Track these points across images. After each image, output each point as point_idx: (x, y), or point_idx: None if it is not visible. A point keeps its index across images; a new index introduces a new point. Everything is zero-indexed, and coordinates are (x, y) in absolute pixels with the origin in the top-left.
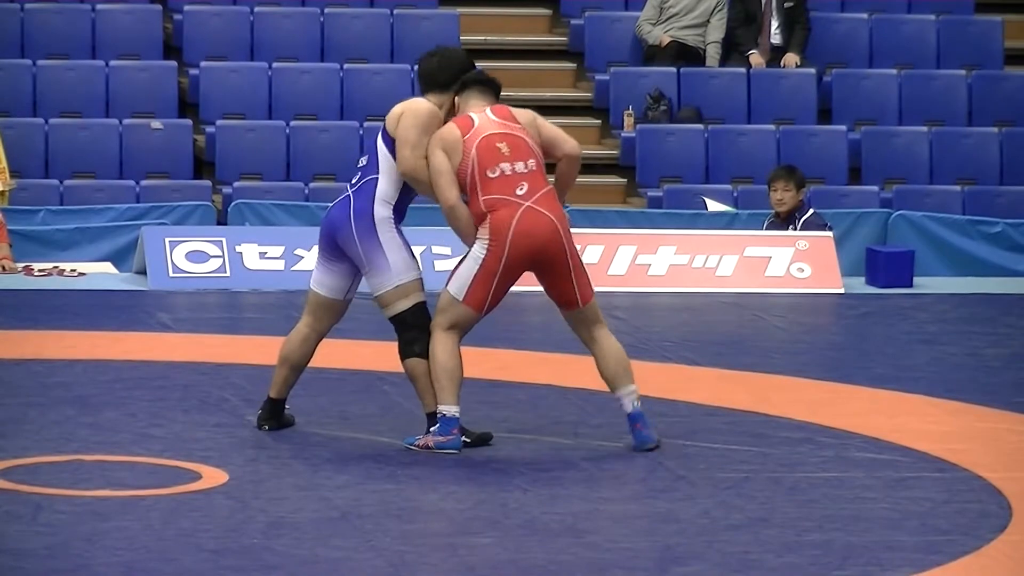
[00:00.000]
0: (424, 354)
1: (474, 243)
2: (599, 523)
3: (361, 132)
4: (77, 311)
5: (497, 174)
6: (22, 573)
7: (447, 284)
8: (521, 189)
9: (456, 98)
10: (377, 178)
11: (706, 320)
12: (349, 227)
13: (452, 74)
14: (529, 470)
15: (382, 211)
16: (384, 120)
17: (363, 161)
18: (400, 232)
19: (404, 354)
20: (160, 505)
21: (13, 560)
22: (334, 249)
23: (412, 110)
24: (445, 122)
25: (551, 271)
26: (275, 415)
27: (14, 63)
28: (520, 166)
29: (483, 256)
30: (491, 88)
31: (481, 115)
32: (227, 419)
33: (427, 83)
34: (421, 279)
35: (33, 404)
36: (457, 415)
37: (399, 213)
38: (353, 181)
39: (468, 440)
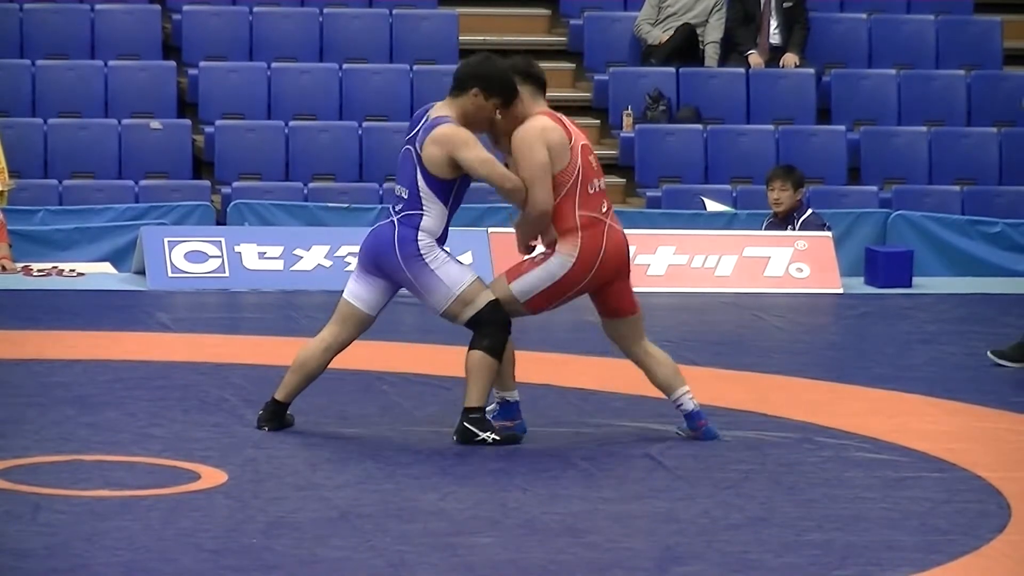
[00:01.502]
0: (491, 351)
1: (546, 252)
2: (598, 523)
3: (360, 132)
4: (76, 311)
5: (594, 190)
6: (22, 573)
7: (510, 281)
8: (604, 207)
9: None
10: (422, 214)
11: (705, 320)
12: (394, 255)
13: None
14: (528, 470)
15: (426, 239)
16: (415, 148)
17: (402, 193)
18: (444, 248)
19: (472, 344)
20: (159, 505)
21: (13, 560)
22: (374, 269)
23: (453, 140)
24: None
25: (619, 282)
26: (277, 417)
27: (13, 63)
28: (602, 183)
29: (564, 272)
30: (542, 85)
31: (566, 120)
32: (226, 419)
33: (478, 85)
34: (479, 279)
35: (33, 404)
36: (517, 398)
37: (442, 238)
38: (396, 209)
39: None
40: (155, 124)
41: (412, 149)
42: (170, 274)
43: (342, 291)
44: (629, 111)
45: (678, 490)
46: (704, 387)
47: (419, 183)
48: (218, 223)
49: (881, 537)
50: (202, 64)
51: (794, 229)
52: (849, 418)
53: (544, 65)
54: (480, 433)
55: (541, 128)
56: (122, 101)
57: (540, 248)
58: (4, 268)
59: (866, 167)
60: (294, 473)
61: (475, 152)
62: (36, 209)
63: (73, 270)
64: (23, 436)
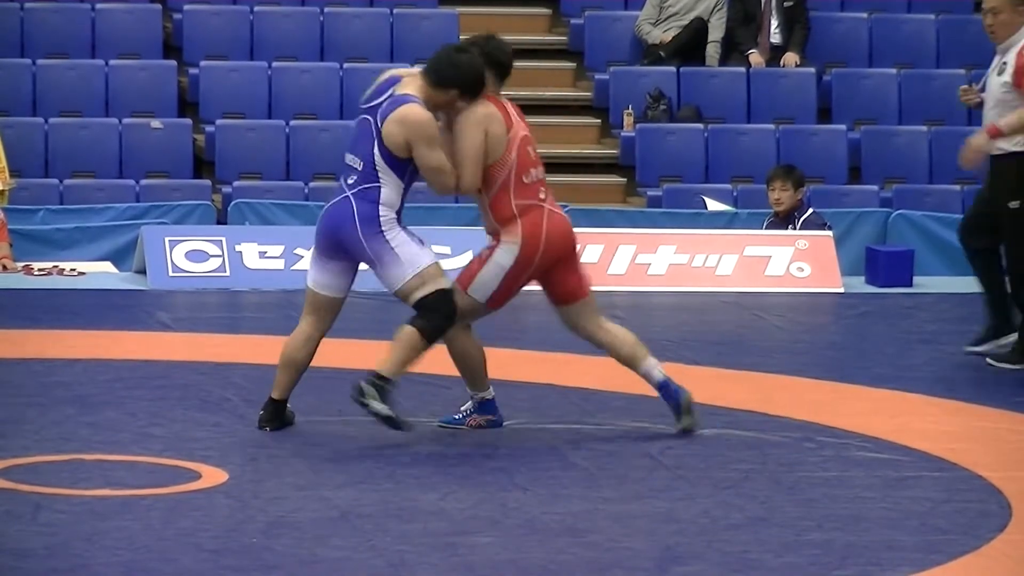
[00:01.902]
0: (426, 332)
1: (492, 246)
2: (599, 523)
3: None
4: (77, 310)
5: (530, 180)
6: (22, 573)
7: (465, 287)
8: (542, 193)
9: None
10: (379, 186)
11: (706, 319)
12: (354, 229)
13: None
14: (529, 470)
15: (387, 213)
16: (375, 120)
17: (356, 163)
18: (405, 227)
19: (410, 320)
20: (160, 505)
21: (13, 560)
22: (334, 248)
23: (418, 132)
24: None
25: (566, 266)
26: (278, 415)
27: (14, 62)
28: (540, 171)
29: (512, 260)
30: (506, 74)
31: (511, 110)
32: (227, 419)
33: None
34: (438, 264)
35: (33, 403)
36: (493, 394)
37: (399, 213)
38: (350, 182)
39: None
40: (156, 123)
41: (372, 120)
42: (171, 273)
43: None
44: (630, 110)
45: (678, 490)
46: (705, 387)
47: (375, 156)
48: (219, 222)
49: (881, 537)
50: (203, 63)
51: (795, 228)
52: (850, 418)
53: (544, 64)
54: (374, 402)
55: (486, 115)
56: (123, 100)
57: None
58: (5, 267)
59: (867, 166)
60: (294, 473)
61: (434, 154)
62: (37, 208)
63: (74, 269)
64: (23, 436)
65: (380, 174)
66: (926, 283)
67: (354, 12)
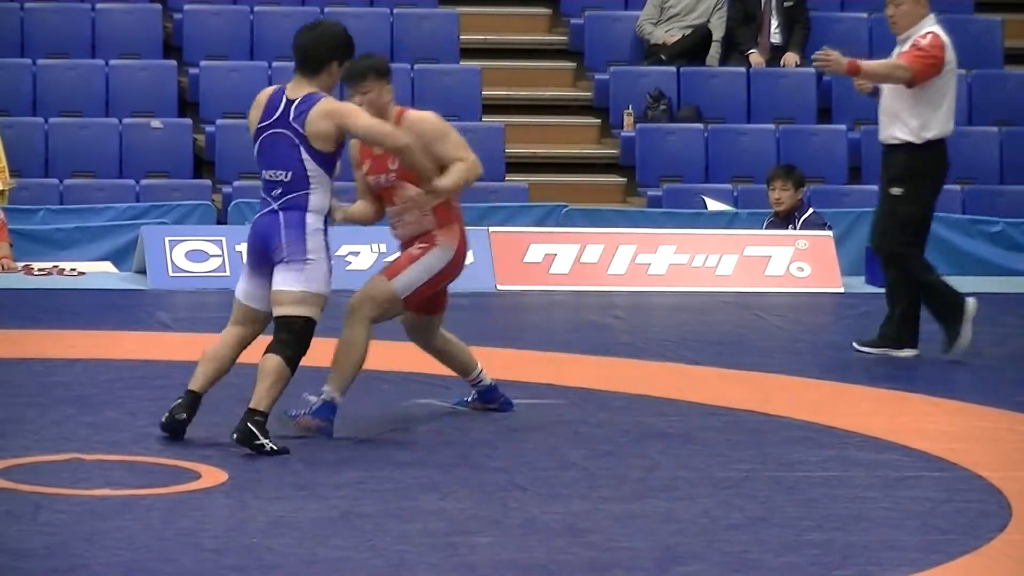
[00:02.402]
0: (291, 362)
1: (425, 246)
2: (599, 522)
3: None
4: (77, 310)
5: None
6: (22, 573)
7: (391, 278)
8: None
9: (387, 86)
10: (308, 193)
11: (706, 319)
12: (279, 237)
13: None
14: (529, 469)
15: (315, 222)
16: (291, 130)
17: (279, 175)
18: (328, 247)
19: (272, 349)
20: (160, 504)
21: (13, 560)
22: (263, 261)
23: (342, 113)
24: None
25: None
26: (194, 408)
27: (14, 62)
28: None
29: (443, 265)
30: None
31: None
32: (227, 419)
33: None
34: (326, 298)
35: (33, 403)
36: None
37: (327, 217)
38: (275, 194)
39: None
40: (156, 123)
41: (286, 131)
42: (171, 273)
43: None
44: (630, 110)
45: (678, 490)
46: (705, 386)
47: (305, 162)
48: (219, 222)
49: (881, 537)
50: (203, 63)
51: (795, 228)
52: (850, 418)
53: (545, 64)
54: (261, 438)
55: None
56: (123, 100)
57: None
58: (5, 267)
59: (867, 166)
60: (294, 473)
61: (364, 119)
62: (37, 208)
63: (74, 269)
64: (23, 436)
65: (311, 179)
66: None
67: (354, 12)
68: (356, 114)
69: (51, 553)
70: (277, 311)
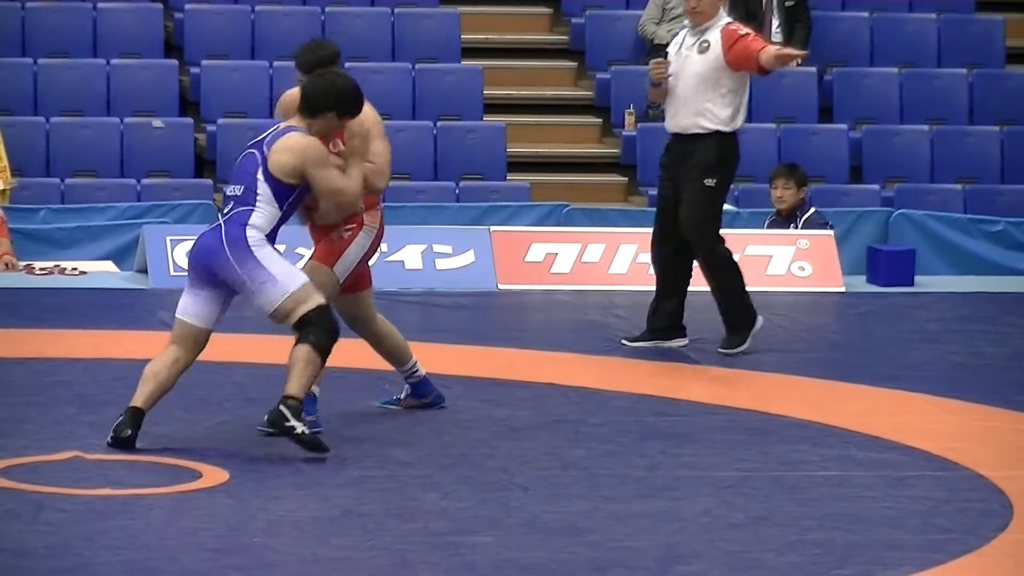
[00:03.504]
0: (318, 347)
1: (353, 227)
2: (600, 522)
3: None
4: (78, 310)
5: None
6: (23, 572)
7: (332, 264)
8: None
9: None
10: (252, 210)
11: (707, 318)
12: (224, 254)
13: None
14: (530, 469)
15: (255, 234)
16: (260, 151)
17: (235, 191)
18: (274, 248)
19: (299, 341)
20: (161, 504)
21: (14, 559)
22: (205, 277)
23: (307, 156)
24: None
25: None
26: (137, 424)
27: (15, 61)
28: None
29: (368, 243)
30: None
31: None
32: (228, 418)
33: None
34: (310, 281)
35: (34, 403)
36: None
37: (271, 238)
38: (225, 210)
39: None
40: (157, 123)
41: (256, 151)
42: (172, 273)
43: None
44: (631, 110)
45: (679, 489)
46: (706, 386)
47: (258, 183)
48: None
49: (883, 536)
50: (204, 63)
51: (797, 228)
52: (851, 417)
53: (546, 64)
54: (292, 420)
55: (376, 120)
56: (124, 100)
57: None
58: (8, 265)
59: (868, 166)
60: (295, 472)
61: (330, 174)
62: (38, 208)
63: (75, 269)
64: (25, 435)
65: (258, 199)
66: (927, 282)
67: (355, 11)
68: (323, 165)
69: (52, 552)
70: (289, 321)
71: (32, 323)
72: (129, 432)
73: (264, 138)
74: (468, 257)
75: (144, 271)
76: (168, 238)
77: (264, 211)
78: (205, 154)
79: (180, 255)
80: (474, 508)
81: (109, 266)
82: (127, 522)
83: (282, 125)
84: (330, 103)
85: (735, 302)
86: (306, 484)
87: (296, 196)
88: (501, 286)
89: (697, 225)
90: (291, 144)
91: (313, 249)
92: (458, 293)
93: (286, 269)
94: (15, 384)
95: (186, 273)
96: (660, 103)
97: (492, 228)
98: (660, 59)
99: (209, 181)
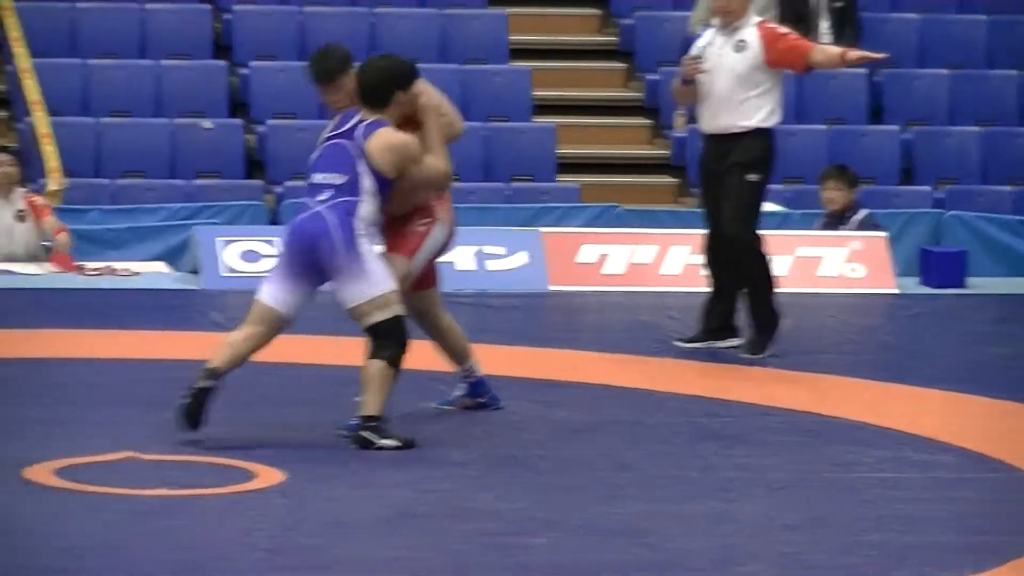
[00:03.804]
0: (393, 362)
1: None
2: (655, 523)
3: None
4: (130, 310)
5: None
6: (79, 571)
7: (409, 257)
8: None
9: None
10: (358, 201)
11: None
12: (329, 239)
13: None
14: (584, 470)
15: (361, 226)
16: (352, 143)
17: (333, 179)
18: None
19: (372, 355)
20: (216, 504)
21: (70, 559)
22: (303, 262)
23: (405, 154)
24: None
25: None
26: (216, 377)
27: (65, 62)
28: None
29: (444, 238)
30: None
31: None
32: (282, 418)
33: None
34: (395, 291)
35: (88, 403)
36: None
37: (374, 230)
38: (322, 198)
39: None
40: (206, 124)
41: (347, 143)
42: (223, 273)
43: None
44: (681, 111)
45: (734, 491)
46: (759, 387)
47: (361, 176)
48: (271, 222)
49: (938, 538)
50: (253, 64)
51: (848, 229)
52: (904, 418)
53: (595, 65)
54: (378, 440)
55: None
56: (173, 100)
57: None
58: (82, 268)
59: (919, 167)
60: (350, 472)
61: (426, 168)
62: (88, 208)
63: (127, 269)
64: (79, 435)
65: (362, 189)
66: (979, 284)
67: (404, 13)
68: (418, 161)
69: (107, 552)
70: (363, 323)
71: (84, 324)
72: (206, 384)
73: (350, 128)
74: (520, 259)
75: (195, 272)
76: (219, 239)
77: (368, 203)
78: (255, 155)
79: (231, 256)
80: (529, 509)
81: (161, 267)
82: (182, 522)
83: (367, 117)
84: (392, 86)
85: (763, 299)
86: (361, 485)
87: (391, 188)
88: (552, 287)
89: (737, 219)
90: (391, 144)
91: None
92: (510, 294)
93: (379, 270)
94: (69, 385)
95: (281, 262)
96: (689, 106)
97: (543, 229)
98: (695, 55)
99: (259, 182)
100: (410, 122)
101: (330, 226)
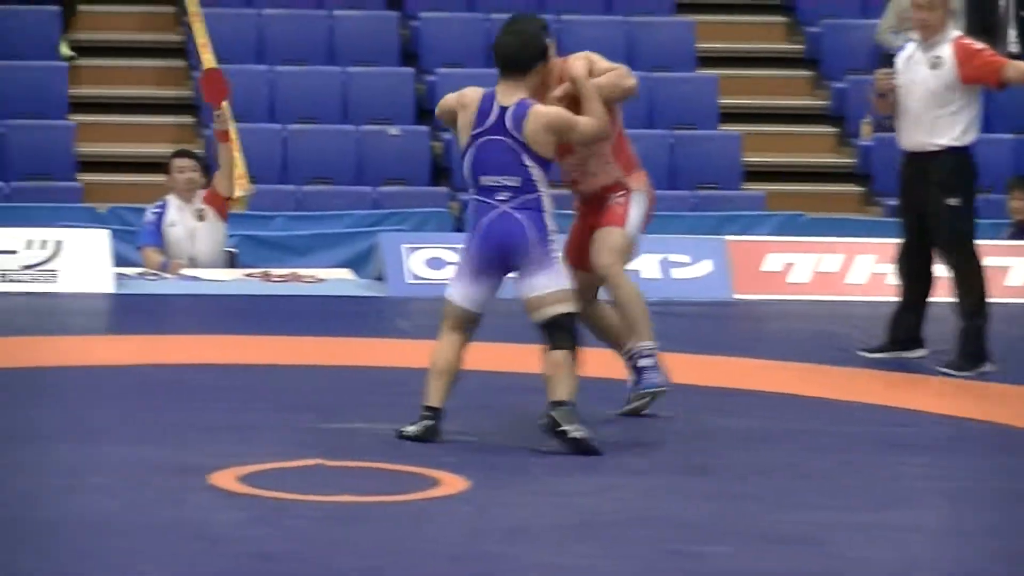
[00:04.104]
0: (573, 352)
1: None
2: (838, 533)
3: None
4: (316, 316)
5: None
6: None
7: (623, 225)
8: None
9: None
10: (540, 196)
11: (946, 330)
12: (526, 238)
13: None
14: (768, 479)
15: (550, 221)
16: (509, 138)
17: (508, 181)
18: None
19: (556, 347)
20: (401, 511)
21: (256, 564)
22: (498, 262)
23: (560, 124)
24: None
25: None
26: (439, 422)
27: (252, 69)
28: None
29: (645, 209)
30: None
31: None
32: (467, 425)
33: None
34: (572, 290)
35: (273, 409)
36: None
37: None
38: (502, 198)
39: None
40: (393, 131)
41: (504, 137)
42: (409, 280)
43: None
44: (867, 119)
45: (920, 500)
46: (946, 398)
47: (529, 167)
48: (456, 230)
49: None
50: (440, 71)
51: None
52: None
53: (781, 73)
54: (569, 425)
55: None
56: (360, 107)
57: None
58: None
59: None
60: (535, 480)
61: (579, 128)
62: (274, 215)
63: (312, 276)
64: (265, 442)
65: (537, 184)
66: None
67: (590, 20)
68: (575, 125)
69: (293, 558)
70: (543, 313)
71: (270, 330)
72: (434, 428)
73: (496, 124)
74: (705, 267)
75: (380, 278)
76: (405, 246)
77: (546, 194)
78: (441, 162)
79: (416, 263)
80: (711, 517)
81: (346, 273)
82: (367, 529)
83: (506, 103)
84: (536, 52)
85: (976, 327)
86: (545, 492)
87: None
88: (737, 296)
89: (950, 244)
90: (543, 121)
91: (582, 219)
92: (694, 303)
93: (561, 267)
94: (254, 391)
95: (469, 263)
96: (889, 116)
97: (728, 238)
98: (887, 70)
99: (445, 189)
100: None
101: (525, 226)
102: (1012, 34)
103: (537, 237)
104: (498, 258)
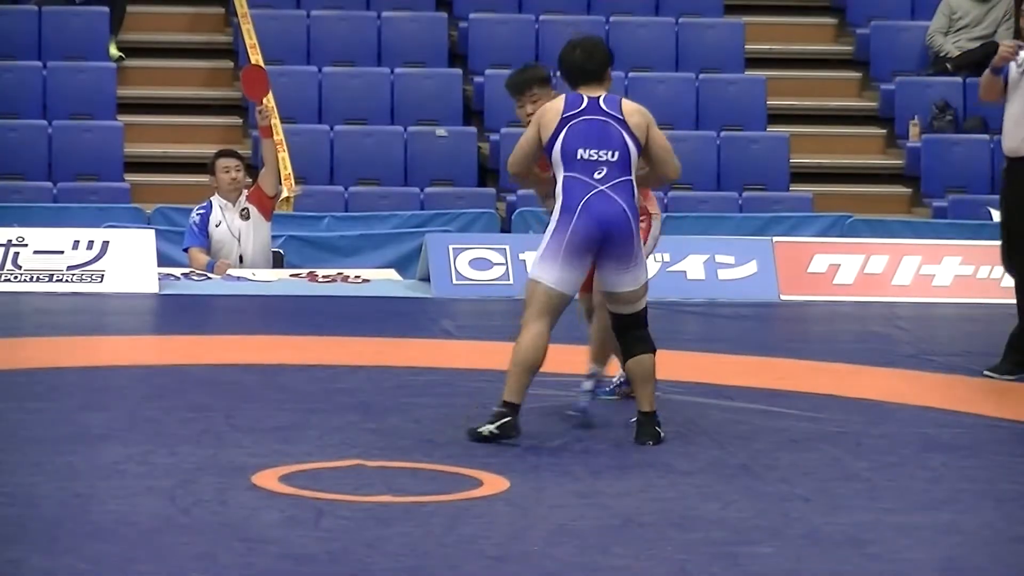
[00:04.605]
0: (655, 350)
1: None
2: (881, 534)
3: None
4: (361, 317)
5: None
6: None
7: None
8: None
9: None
10: (631, 180)
11: (992, 331)
12: (629, 223)
13: None
14: (810, 480)
15: (637, 209)
16: (612, 118)
17: (608, 156)
18: None
19: (646, 349)
20: (442, 511)
21: (295, 565)
22: (597, 244)
23: (648, 117)
24: None
25: None
26: (517, 420)
27: (300, 70)
28: None
29: (659, 232)
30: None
31: None
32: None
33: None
34: None
35: (316, 409)
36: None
37: None
38: (599, 176)
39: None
40: (441, 132)
41: (603, 118)
42: (455, 281)
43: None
44: (916, 121)
45: (961, 501)
46: (990, 399)
47: (629, 147)
48: (502, 231)
49: None
50: (488, 72)
51: None
52: None
53: (830, 74)
54: (662, 431)
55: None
56: (408, 108)
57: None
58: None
59: None
60: (576, 480)
61: (675, 160)
62: (322, 215)
63: (358, 276)
64: (307, 442)
65: (631, 166)
66: None
67: (640, 21)
68: (670, 150)
69: (333, 559)
70: (630, 308)
71: (315, 330)
72: (511, 436)
73: (591, 106)
74: (751, 267)
75: (427, 279)
76: (451, 246)
77: (633, 178)
78: (488, 163)
79: (463, 264)
80: (754, 518)
81: (392, 274)
82: (407, 529)
83: (597, 95)
84: (608, 59)
85: None
86: (586, 493)
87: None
88: (783, 297)
89: None
90: (635, 106)
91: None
92: (740, 303)
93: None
94: (298, 391)
95: (567, 246)
96: (991, 102)
97: (775, 239)
98: (1018, 43)
99: (492, 190)
100: None
101: (625, 208)
102: None
103: (635, 225)
104: (599, 239)
